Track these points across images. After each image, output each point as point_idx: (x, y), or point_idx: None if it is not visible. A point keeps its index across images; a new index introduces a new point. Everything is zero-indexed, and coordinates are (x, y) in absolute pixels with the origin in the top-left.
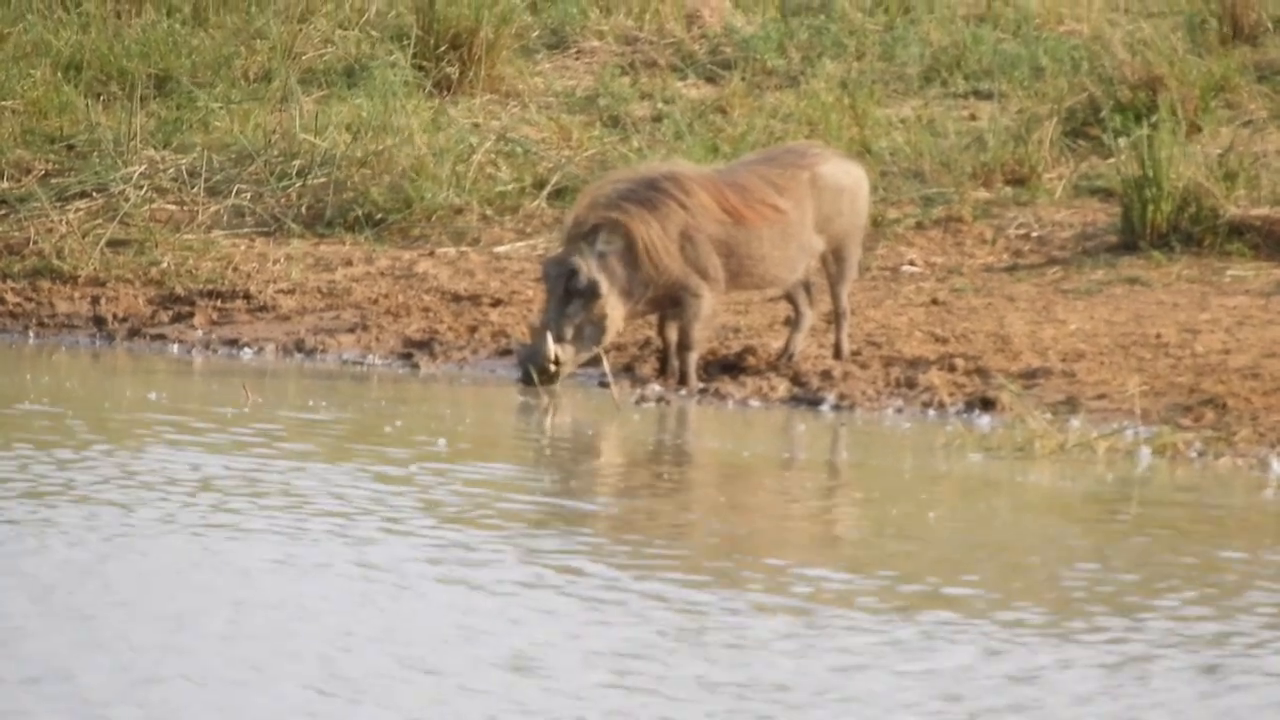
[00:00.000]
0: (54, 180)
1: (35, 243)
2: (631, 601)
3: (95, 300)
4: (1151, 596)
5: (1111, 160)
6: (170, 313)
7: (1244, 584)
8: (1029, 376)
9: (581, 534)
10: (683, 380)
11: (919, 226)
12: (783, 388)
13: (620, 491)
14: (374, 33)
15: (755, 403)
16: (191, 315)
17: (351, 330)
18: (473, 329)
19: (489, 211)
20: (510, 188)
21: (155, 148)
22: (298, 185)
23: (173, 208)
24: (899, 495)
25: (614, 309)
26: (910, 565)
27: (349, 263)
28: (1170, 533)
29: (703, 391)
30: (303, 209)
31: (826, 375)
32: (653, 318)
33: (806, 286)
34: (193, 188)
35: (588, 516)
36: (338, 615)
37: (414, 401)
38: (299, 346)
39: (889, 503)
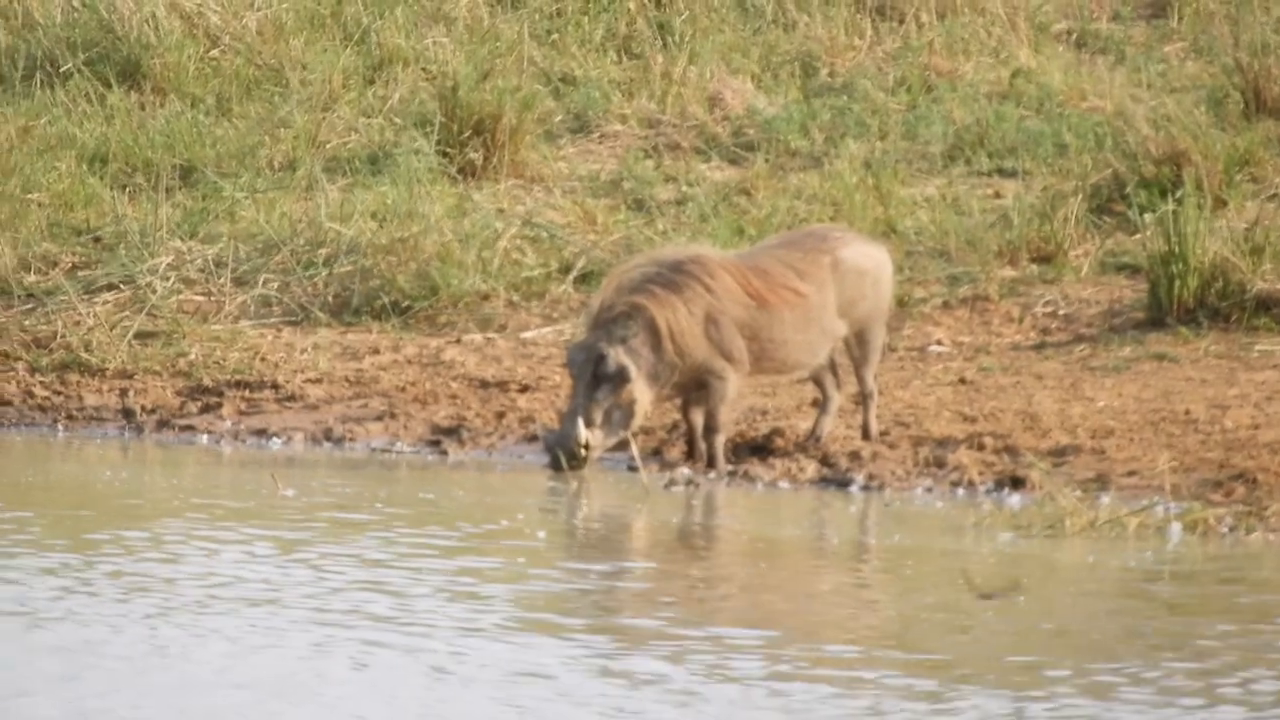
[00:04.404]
0: (81, 273)
1: (63, 336)
2: (676, 679)
3: (124, 393)
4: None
5: (1137, 236)
6: (199, 404)
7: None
8: (1058, 454)
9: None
10: (711, 463)
11: (945, 306)
12: (811, 469)
13: (655, 574)
14: (397, 120)
15: (784, 484)
16: (220, 406)
17: (379, 418)
18: (500, 415)
19: (515, 297)
20: (536, 273)
21: (181, 239)
22: (324, 274)
23: (200, 298)
24: (934, 576)
25: (641, 393)
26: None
27: (376, 351)
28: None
29: (731, 474)
30: (329, 298)
31: (855, 456)
32: (678, 401)
33: (833, 368)
34: (219, 278)
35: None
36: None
37: (445, 487)
38: (327, 435)
39: (925, 584)
